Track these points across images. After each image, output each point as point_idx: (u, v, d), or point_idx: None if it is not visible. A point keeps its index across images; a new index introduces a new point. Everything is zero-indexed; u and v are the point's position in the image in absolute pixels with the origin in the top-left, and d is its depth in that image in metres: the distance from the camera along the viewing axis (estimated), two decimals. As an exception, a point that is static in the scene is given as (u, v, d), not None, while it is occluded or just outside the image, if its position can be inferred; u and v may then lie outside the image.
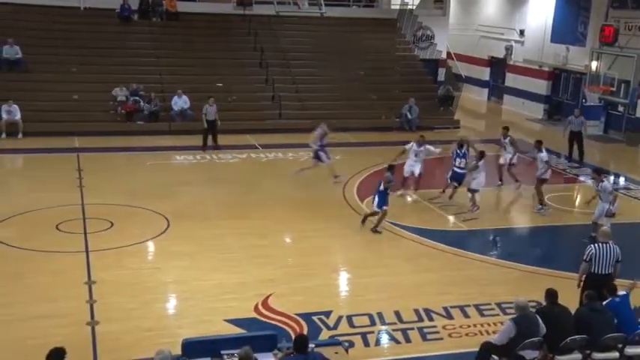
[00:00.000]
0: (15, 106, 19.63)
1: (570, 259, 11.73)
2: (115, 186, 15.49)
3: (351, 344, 8.75)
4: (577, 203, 16.25)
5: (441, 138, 17.17)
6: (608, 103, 23.69)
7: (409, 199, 15.44)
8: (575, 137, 19.81)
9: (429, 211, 14.83)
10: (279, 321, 9.43)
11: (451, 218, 14.41)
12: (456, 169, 14.98)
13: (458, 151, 15.01)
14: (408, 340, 9.17)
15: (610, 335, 8.03)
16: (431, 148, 15.58)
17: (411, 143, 15.37)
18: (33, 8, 23.37)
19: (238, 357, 6.75)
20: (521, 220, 15.54)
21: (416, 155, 15.28)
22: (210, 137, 19.31)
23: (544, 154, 14.94)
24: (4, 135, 19.50)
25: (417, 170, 15.33)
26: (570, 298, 8.67)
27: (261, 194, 15.50)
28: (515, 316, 7.96)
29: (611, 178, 17.71)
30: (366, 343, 9.03)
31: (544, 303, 8.39)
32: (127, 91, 21.36)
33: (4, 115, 19.55)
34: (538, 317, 7.92)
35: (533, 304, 9.32)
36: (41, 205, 13.72)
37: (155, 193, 15.01)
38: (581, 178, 18.04)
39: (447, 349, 8.98)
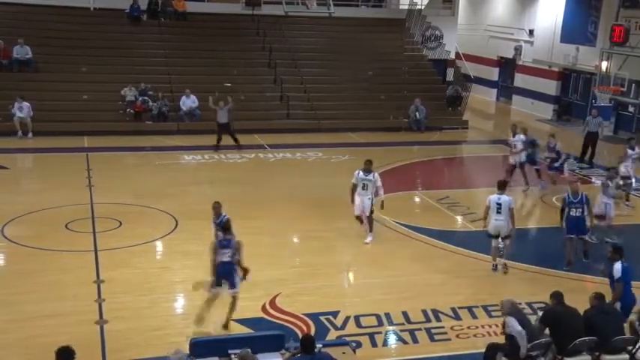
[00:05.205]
0: (26, 103, 19.71)
1: (581, 262, 11.69)
2: (123, 185, 15.58)
3: (359, 344, 8.75)
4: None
5: (449, 139, 17.05)
6: (619, 104, 23.54)
7: (368, 239, 12.62)
8: (592, 138, 19.60)
9: (438, 211, 14.79)
10: (287, 321, 9.44)
11: (459, 219, 14.37)
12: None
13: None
14: (415, 340, 9.16)
15: (620, 337, 7.98)
16: (379, 180, 12.44)
17: (357, 171, 12.45)
18: (43, 9, 23.50)
19: (238, 357, 6.76)
20: (531, 221, 15.43)
21: (364, 188, 12.27)
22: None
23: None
24: (20, 133, 19.51)
25: (368, 206, 12.30)
26: (581, 299, 8.60)
27: (270, 194, 15.49)
28: (509, 316, 7.87)
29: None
30: (374, 344, 9.03)
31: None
32: (136, 91, 21.44)
33: (18, 113, 19.61)
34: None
35: (542, 305, 9.28)
36: (51, 204, 13.81)
37: (163, 193, 15.06)
38: (592, 179, 17.95)
39: (454, 349, 8.95)
